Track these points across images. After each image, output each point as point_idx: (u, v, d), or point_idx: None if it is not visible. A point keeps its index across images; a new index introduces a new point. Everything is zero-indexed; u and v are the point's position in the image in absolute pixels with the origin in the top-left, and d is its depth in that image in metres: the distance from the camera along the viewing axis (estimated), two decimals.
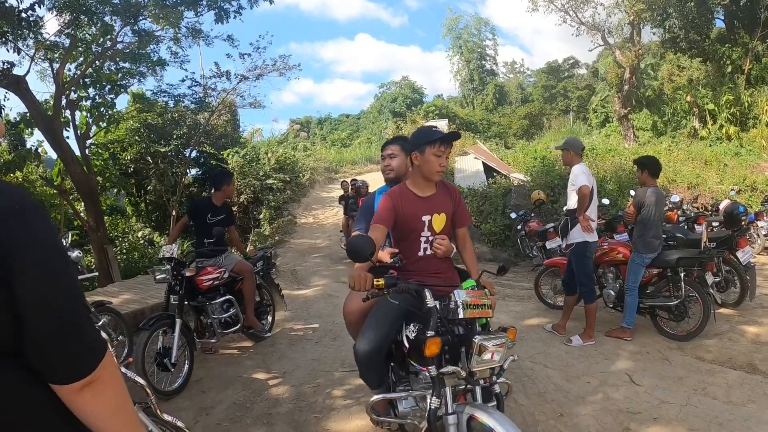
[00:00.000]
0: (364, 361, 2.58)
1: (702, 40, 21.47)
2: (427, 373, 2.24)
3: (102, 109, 10.61)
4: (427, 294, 2.33)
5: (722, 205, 9.83)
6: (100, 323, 4.09)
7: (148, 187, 15.51)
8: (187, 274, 4.45)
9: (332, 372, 4.50)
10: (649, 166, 5.07)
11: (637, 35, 18.86)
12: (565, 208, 5.46)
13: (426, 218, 2.71)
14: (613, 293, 5.50)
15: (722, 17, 21.49)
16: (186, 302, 4.48)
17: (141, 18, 8.60)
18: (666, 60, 23.24)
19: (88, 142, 11.28)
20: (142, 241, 14.59)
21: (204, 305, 4.72)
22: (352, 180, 12.59)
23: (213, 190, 5.19)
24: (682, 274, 5.01)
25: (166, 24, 8.60)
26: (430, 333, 2.22)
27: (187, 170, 15.41)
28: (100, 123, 11.48)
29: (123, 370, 2.43)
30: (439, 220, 2.75)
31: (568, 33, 66.13)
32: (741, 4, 18.57)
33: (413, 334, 2.44)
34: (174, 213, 13.67)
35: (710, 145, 17.65)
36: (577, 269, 5.07)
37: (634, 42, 18.65)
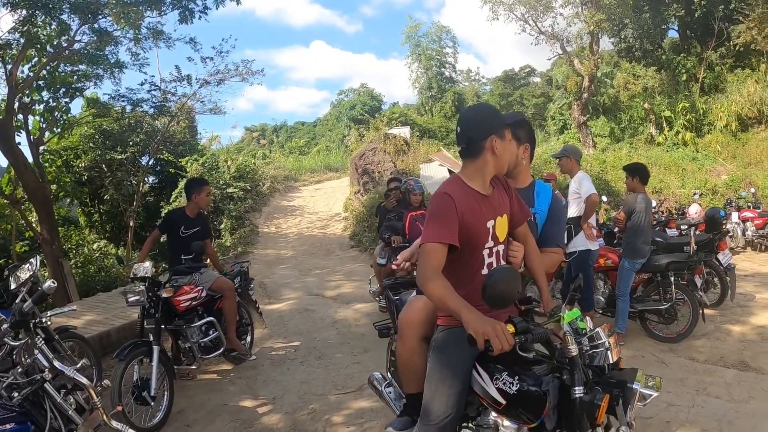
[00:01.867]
0: (443, 426, 2.10)
1: (655, 49, 22.73)
2: None
3: (56, 113, 10.10)
4: (570, 338, 1.88)
5: (690, 209, 10.32)
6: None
7: (105, 197, 15.03)
8: (164, 295, 4.21)
9: (326, 395, 4.37)
10: (641, 172, 5.25)
11: (596, 44, 19.69)
12: (568, 216, 5.56)
13: (490, 224, 2.17)
14: (602, 299, 5.63)
15: (676, 28, 22.87)
16: (162, 326, 4.24)
17: (101, 16, 8.28)
18: (621, 69, 24.35)
19: (41, 148, 10.78)
20: (97, 254, 13.98)
21: (182, 328, 4.49)
22: (392, 179, 7.83)
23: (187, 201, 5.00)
24: (672, 279, 5.20)
25: (127, 24, 8.30)
26: (578, 389, 1.82)
27: (145, 178, 14.92)
28: (54, 128, 10.94)
29: (114, 423, 2.31)
30: (502, 225, 2.22)
31: (524, 42, 68.52)
32: (695, 16, 19.80)
33: (514, 387, 1.94)
34: (131, 224, 13.17)
35: (667, 151, 18.55)
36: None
37: (593, 51, 19.44)
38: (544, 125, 34.17)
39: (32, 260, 2.46)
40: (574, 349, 1.86)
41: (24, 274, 2.43)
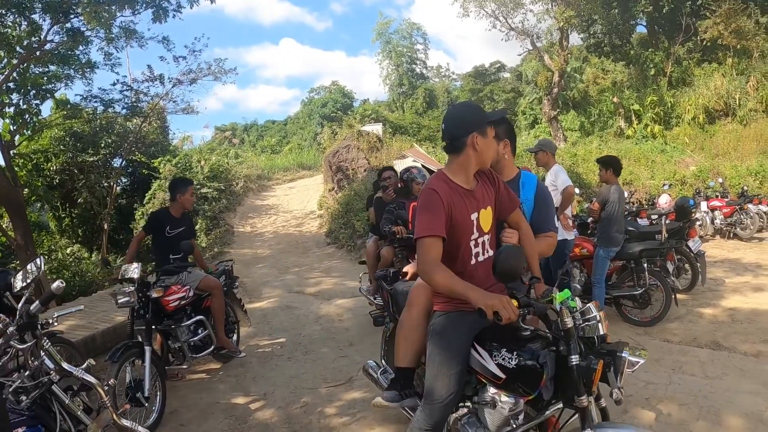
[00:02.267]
0: (447, 404, 2.24)
1: (624, 44, 23.46)
2: (578, 404, 2.01)
3: (26, 116, 9.90)
4: (566, 312, 2.05)
5: (660, 200, 10.73)
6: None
7: (78, 200, 14.77)
8: (154, 295, 4.26)
9: (316, 389, 4.46)
10: (614, 165, 5.51)
11: (565, 40, 20.17)
12: None
13: (474, 216, 2.30)
14: (579, 287, 5.87)
15: (644, 23, 23.63)
16: (153, 327, 4.28)
17: (73, 15, 8.16)
18: (590, 63, 25.00)
19: (12, 152, 10.57)
20: (71, 259, 13.73)
21: (171, 328, 4.53)
22: (386, 168, 6.48)
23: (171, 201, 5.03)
24: (645, 265, 5.47)
25: (98, 24, 8.20)
26: (575, 357, 2.00)
27: (119, 180, 14.71)
28: (24, 131, 10.73)
29: (124, 422, 2.37)
30: (486, 216, 2.35)
31: (494, 38, 69.29)
32: (663, 11, 20.51)
33: (513, 362, 2.12)
34: (106, 227, 12.98)
35: (637, 144, 19.14)
36: (554, 267, 5.37)
37: (563, 47, 19.91)
38: (515, 120, 34.70)
39: (37, 261, 2.49)
40: (569, 322, 2.03)
41: (29, 275, 2.45)
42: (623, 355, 2.00)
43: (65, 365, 2.33)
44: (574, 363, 2.00)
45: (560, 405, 2.15)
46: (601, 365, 1.98)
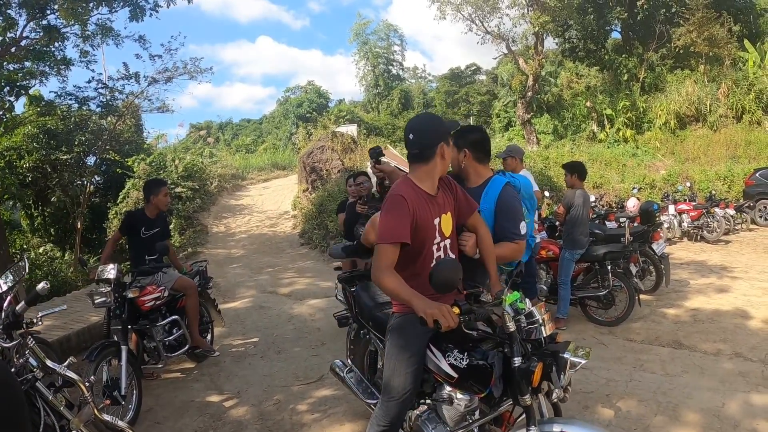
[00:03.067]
0: (403, 400, 2.42)
1: (598, 49, 24.13)
2: (522, 403, 2.17)
3: (0, 112, 9.79)
4: (508, 317, 2.20)
5: (628, 203, 11.13)
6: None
7: (52, 199, 14.64)
8: (130, 295, 4.34)
9: (289, 387, 4.60)
10: (579, 170, 5.80)
11: (540, 45, 20.64)
12: None
13: (437, 221, 2.45)
14: (545, 288, 6.14)
15: (619, 29, 24.34)
16: (128, 326, 4.37)
17: (49, 12, 8.11)
18: (565, 68, 25.61)
19: None
20: (44, 258, 13.55)
21: (147, 328, 4.63)
22: (360, 173, 6.03)
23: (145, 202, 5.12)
24: (608, 267, 5.75)
25: (75, 20, 8.16)
26: (517, 359, 2.16)
27: (93, 179, 14.59)
28: None
29: (105, 416, 2.48)
30: (447, 221, 2.51)
31: (470, 40, 69.91)
32: (638, 18, 21.18)
33: (464, 362, 2.28)
34: (79, 226, 12.84)
35: (609, 147, 19.71)
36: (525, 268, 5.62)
37: (538, 51, 20.38)
38: (489, 122, 35.22)
39: (23, 261, 2.58)
40: (511, 326, 2.18)
41: (15, 275, 2.55)
42: (565, 355, 2.13)
43: (49, 363, 2.44)
44: (516, 365, 2.16)
45: (511, 401, 2.33)
46: (541, 366, 2.13)
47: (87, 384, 2.51)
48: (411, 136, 2.44)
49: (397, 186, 2.46)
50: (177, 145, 20.84)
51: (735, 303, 6.38)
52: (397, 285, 2.25)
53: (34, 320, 2.73)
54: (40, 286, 2.50)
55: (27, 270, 2.60)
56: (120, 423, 2.49)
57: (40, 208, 15.63)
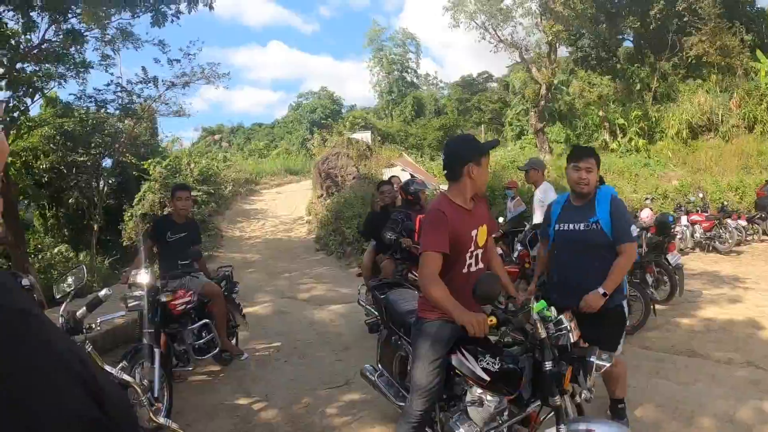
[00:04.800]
0: (431, 395, 2.62)
1: (611, 58, 24.20)
2: (552, 404, 2.35)
3: (16, 113, 9.98)
4: (539, 324, 2.38)
5: (642, 213, 11.17)
6: None
7: (69, 200, 14.88)
8: (164, 299, 4.49)
9: (316, 390, 4.70)
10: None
11: (554, 54, 20.73)
12: (533, 223, 6.15)
13: (474, 233, 2.69)
14: None
15: (631, 39, 24.40)
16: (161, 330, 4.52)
17: (71, 15, 8.29)
18: (577, 77, 25.65)
19: None
20: (58, 258, 13.79)
21: (177, 331, 4.78)
22: (384, 182, 7.00)
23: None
24: (626, 277, 5.83)
25: (95, 23, 8.29)
26: (548, 363, 2.34)
27: (109, 181, 14.94)
28: (13, 129, 10.78)
29: (160, 419, 2.60)
30: (482, 233, 2.75)
31: (481, 47, 69.99)
32: (650, 28, 21.24)
33: (496, 366, 2.45)
34: (96, 228, 13.07)
35: (621, 157, 19.71)
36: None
37: (551, 60, 20.47)
38: (501, 130, 35.24)
39: (81, 267, 2.72)
40: (543, 333, 2.37)
41: (76, 280, 2.68)
42: (591, 359, 2.34)
43: (106, 366, 2.58)
44: (547, 369, 2.35)
45: (539, 402, 2.51)
46: (570, 370, 2.34)
47: (142, 387, 2.63)
48: (443, 157, 2.77)
49: (436, 202, 2.75)
50: (192, 149, 21.06)
51: (747, 313, 6.45)
52: (441, 295, 2.46)
53: (93, 326, 2.86)
54: (103, 292, 2.63)
55: (86, 276, 2.73)
56: (173, 425, 2.62)
57: (54, 208, 15.87)
